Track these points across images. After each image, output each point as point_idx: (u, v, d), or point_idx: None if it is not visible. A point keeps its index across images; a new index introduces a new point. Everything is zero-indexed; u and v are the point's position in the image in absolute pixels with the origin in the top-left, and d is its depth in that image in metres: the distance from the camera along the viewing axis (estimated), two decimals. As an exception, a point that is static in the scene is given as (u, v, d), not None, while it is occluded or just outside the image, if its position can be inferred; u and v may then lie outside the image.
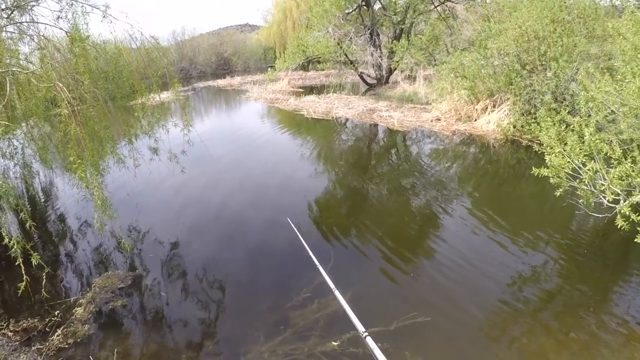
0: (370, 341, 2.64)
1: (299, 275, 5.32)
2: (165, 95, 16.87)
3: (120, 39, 6.67)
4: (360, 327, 2.77)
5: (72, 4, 6.04)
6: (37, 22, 6.28)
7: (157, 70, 6.96)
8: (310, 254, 4.92)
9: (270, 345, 4.14)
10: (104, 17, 6.03)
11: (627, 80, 5.18)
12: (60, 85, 5.21)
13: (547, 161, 4.98)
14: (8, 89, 5.35)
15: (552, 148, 5.02)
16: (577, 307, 4.41)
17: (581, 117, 4.97)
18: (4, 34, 6.12)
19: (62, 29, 6.05)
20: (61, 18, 6.11)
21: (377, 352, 2.53)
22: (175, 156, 6.98)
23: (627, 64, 5.45)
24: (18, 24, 6.30)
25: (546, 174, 4.96)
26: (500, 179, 8.69)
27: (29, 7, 6.22)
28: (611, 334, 3.98)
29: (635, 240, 4.17)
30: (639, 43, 5.66)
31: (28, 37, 6.42)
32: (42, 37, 6.31)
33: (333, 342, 4.06)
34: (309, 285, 4.97)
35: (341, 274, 5.15)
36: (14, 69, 5.66)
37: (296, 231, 5.80)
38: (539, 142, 5.38)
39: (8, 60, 5.87)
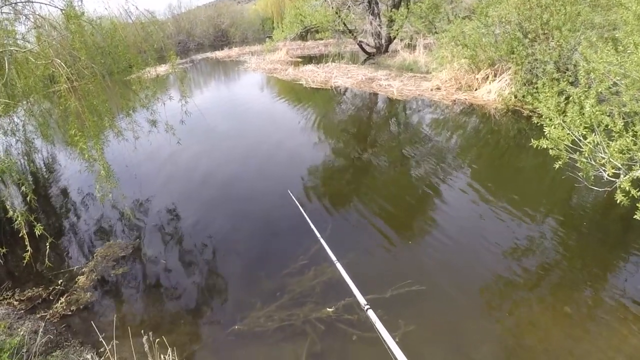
0: (371, 314, 2.68)
1: (297, 243, 5.41)
2: (163, 68, 16.90)
3: (116, 14, 6.63)
4: (361, 300, 2.82)
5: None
6: (32, 2, 6.25)
7: (153, 44, 6.90)
8: (311, 225, 5.00)
9: (267, 310, 4.27)
10: (98, -7, 6.00)
11: (629, 52, 5.09)
12: (58, 61, 5.22)
13: (546, 133, 4.93)
14: (7, 67, 5.36)
15: (551, 120, 4.97)
16: (574, 281, 4.43)
17: (581, 89, 4.91)
18: (0, 15, 6.10)
19: (57, 7, 6.03)
20: (55, -3, 6.06)
21: (379, 324, 2.57)
22: (172, 127, 7.00)
23: (629, 35, 5.36)
24: (13, 4, 6.24)
25: (545, 146, 4.91)
26: (501, 149, 8.65)
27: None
28: (607, 310, 4.00)
29: (635, 217, 4.11)
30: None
31: (24, 16, 6.37)
32: (38, 16, 6.29)
33: (328, 309, 4.17)
34: (306, 253, 5.09)
35: (338, 242, 5.23)
36: (11, 49, 5.64)
37: (296, 202, 5.88)
38: (539, 113, 5.31)
39: (5, 40, 5.85)
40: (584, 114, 4.68)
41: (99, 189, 5.62)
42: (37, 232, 4.54)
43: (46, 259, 4.91)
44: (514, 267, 4.67)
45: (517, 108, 10.50)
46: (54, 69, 5.31)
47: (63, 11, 5.88)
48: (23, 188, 5.20)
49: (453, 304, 4.23)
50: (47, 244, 4.92)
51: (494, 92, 11.45)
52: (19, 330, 4.14)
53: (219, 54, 30.34)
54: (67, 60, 5.63)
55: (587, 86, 5.15)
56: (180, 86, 7.33)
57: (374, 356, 3.61)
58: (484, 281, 4.50)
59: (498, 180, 7.02)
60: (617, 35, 6.03)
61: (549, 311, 4.04)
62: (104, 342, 3.61)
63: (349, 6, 19.22)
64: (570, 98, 5.02)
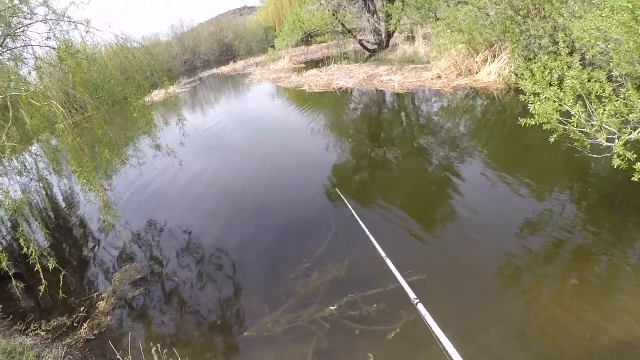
0: (421, 308, 2.66)
1: (303, 247, 5.58)
2: (171, 90, 17.30)
3: (112, 45, 6.91)
4: (411, 294, 2.83)
5: (58, 23, 6.28)
6: (31, 45, 6.55)
7: (146, 72, 7.16)
8: (372, 240, 5.07)
9: (274, 315, 4.42)
10: (87, 32, 6.30)
11: (605, 16, 5.07)
12: (55, 103, 5.48)
13: (532, 111, 4.93)
14: (11, 111, 5.65)
15: (537, 95, 4.98)
16: (589, 252, 4.38)
17: (561, 61, 4.92)
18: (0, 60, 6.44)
19: (53, 48, 6.33)
20: (50, 38, 6.37)
21: (429, 318, 2.53)
22: (172, 150, 7.25)
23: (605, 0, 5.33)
24: (12, 50, 6.56)
25: (533, 123, 4.91)
26: (508, 129, 8.60)
27: (20, 32, 6.46)
28: (626, 278, 3.95)
29: (632, 180, 4.04)
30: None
31: (23, 61, 6.70)
32: (37, 59, 6.61)
33: (331, 308, 4.28)
34: (311, 256, 5.25)
35: (345, 239, 5.45)
36: (12, 93, 5.93)
37: (348, 205, 5.67)
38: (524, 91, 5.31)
39: (7, 84, 6.15)
40: (563, 86, 4.67)
41: (103, 218, 5.88)
42: (51, 266, 4.79)
43: (60, 290, 5.16)
44: (527, 245, 4.65)
45: (519, 86, 10.41)
46: (52, 109, 5.58)
47: (57, 51, 6.17)
48: (37, 224, 5.46)
49: (470, 284, 4.30)
50: (61, 276, 5.17)
51: (494, 73, 11.41)
52: (47, 357, 4.37)
53: (224, 69, 30.77)
54: (63, 100, 5.92)
55: (569, 54, 5.12)
56: (176, 110, 7.57)
57: (376, 348, 3.72)
58: (497, 261, 4.52)
59: (507, 160, 7.04)
60: (594, 1, 5.99)
61: (568, 284, 4.02)
62: (121, 360, 3.81)
63: (345, 7, 19.30)
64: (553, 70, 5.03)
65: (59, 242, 7.44)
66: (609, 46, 5.35)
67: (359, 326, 4.02)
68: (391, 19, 18.68)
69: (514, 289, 4.16)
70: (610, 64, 5.34)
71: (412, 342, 3.72)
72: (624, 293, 3.80)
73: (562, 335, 3.52)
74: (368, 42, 20.90)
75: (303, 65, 23.62)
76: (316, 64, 22.69)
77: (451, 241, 5.09)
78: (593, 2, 8.49)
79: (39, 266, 4.83)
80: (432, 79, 13.16)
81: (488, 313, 3.92)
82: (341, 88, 15.37)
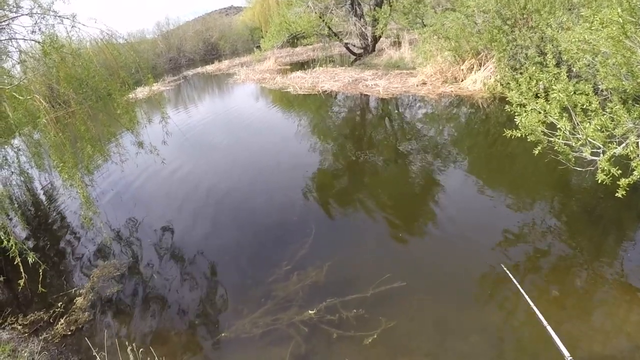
0: None
1: (283, 250, 5.52)
2: (155, 87, 17.16)
3: (98, 40, 6.82)
4: (564, 351, 2.80)
5: (43, 17, 6.16)
6: (16, 39, 6.43)
7: (131, 68, 7.07)
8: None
9: (252, 317, 4.38)
10: (72, 26, 6.19)
11: (594, 29, 5.11)
12: (38, 97, 5.37)
13: (517, 122, 4.91)
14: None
15: (523, 106, 4.99)
16: (569, 264, 4.42)
17: (549, 72, 4.95)
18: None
19: (37, 41, 6.22)
20: (35, 32, 6.26)
21: None
22: (155, 148, 7.15)
23: (595, 13, 5.39)
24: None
25: (519, 135, 4.90)
26: (492, 138, 8.68)
27: (5, 24, 6.33)
28: (605, 291, 3.98)
29: (615, 194, 4.03)
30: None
31: (7, 54, 6.57)
32: (21, 52, 6.48)
33: (310, 311, 4.26)
34: (292, 259, 5.23)
35: (325, 243, 5.45)
36: (-4, 86, 5.81)
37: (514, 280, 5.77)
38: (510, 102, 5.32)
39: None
40: (549, 98, 4.68)
41: (84, 214, 5.79)
42: (31, 260, 4.70)
43: (39, 285, 5.03)
44: (508, 254, 4.67)
45: (504, 95, 10.49)
46: (34, 102, 5.47)
47: (41, 44, 6.04)
48: (16, 218, 5.34)
49: (444, 297, 4.27)
50: (40, 270, 5.06)
51: (479, 81, 11.51)
52: (23, 352, 4.28)
53: (209, 68, 30.58)
54: (48, 93, 5.80)
55: (555, 64, 5.14)
56: (160, 108, 7.48)
57: (354, 353, 3.72)
58: (478, 270, 4.52)
59: (490, 169, 7.09)
60: (582, 13, 6.05)
61: (546, 297, 4.02)
62: (98, 357, 3.75)
63: (332, 10, 19.31)
64: (539, 82, 5.05)
65: (38, 236, 7.34)
66: (596, 59, 5.38)
67: (336, 331, 3.99)
68: (378, 23, 18.73)
69: (494, 298, 4.15)
70: (596, 76, 5.38)
71: (389, 349, 3.71)
72: (602, 306, 3.84)
73: (540, 346, 3.51)
74: (354, 45, 20.93)
75: (288, 67, 23.59)
76: (301, 65, 22.71)
77: (430, 249, 5.11)
78: (581, 14, 8.62)
79: (18, 259, 4.73)
80: (417, 85, 13.23)
81: (467, 321, 3.92)
82: (326, 91, 15.35)
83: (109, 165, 7.29)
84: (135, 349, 3.63)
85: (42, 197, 9.59)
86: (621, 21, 4.41)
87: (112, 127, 7.48)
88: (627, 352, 3.36)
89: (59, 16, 6.31)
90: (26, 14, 6.22)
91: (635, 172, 3.96)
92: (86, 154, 6.54)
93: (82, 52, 7.04)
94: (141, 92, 17.15)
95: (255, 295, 4.71)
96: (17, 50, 6.52)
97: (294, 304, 4.43)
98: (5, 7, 6.18)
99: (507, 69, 10.34)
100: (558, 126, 4.62)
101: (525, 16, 10.16)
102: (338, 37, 20.85)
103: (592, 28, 5.12)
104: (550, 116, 4.75)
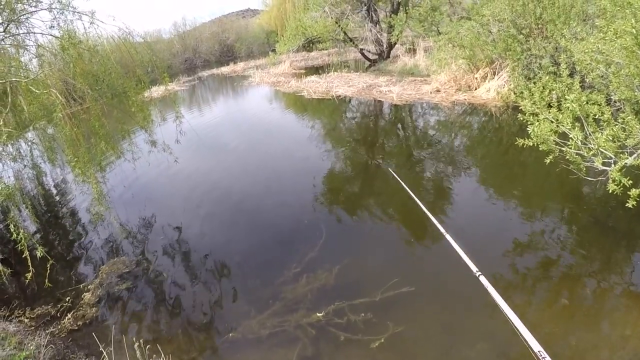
0: (483, 280, 2.75)
1: (293, 251, 5.53)
2: (170, 87, 17.33)
3: (115, 38, 6.92)
4: (473, 268, 2.91)
5: (62, 12, 6.27)
6: (34, 33, 6.55)
7: (147, 67, 7.16)
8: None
9: (260, 318, 4.39)
10: (91, 23, 6.29)
11: (607, 39, 5.13)
12: (54, 91, 5.45)
13: (529, 132, 4.93)
14: (10, 97, 5.61)
15: (535, 115, 5.01)
16: (579, 274, 4.38)
17: (562, 82, 4.96)
18: (2, 45, 6.41)
19: (55, 36, 6.31)
20: (53, 27, 6.38)
21: (491, 289, 2.65)
22: (168, 147, 7.26)
23: (609, 23, 5.39)
24: (15, 36, 6.53)
25: (531, 144, 4.92)
26: (504, 147, 8.66)
27: (24, 19, 6.45)
28: (616, 301, 3.96)
29: (626, 205, 4.04)
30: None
31: (25, 48, 6.67)
32: (39, 46, 6.58)
33: (318, 314, 4.27)
34: (301, 261, 5.23)
35: (335, 247, 5.48)
36: (13, 79, 5.90)
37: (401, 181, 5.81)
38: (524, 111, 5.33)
39: (7, 70, 6.12)
40: (561, 108, 4.69)
41: (93, 209, 5.84)
42: (39, 254, 4.75)
43: (46, 279, 5.10)
44: (517, 263, 4.65)
45: (517, 104, 10.47)
46: (51, 97, 5.55)
47: (60, 39, 6.15)
48: (26, 212, 5.41)
49: (450, 304, 4.28)
50: (48, 265, 5.13)
51: (492, 90, 11.50)
52: (29, 345, 4.31)
53: (224, 69, 30.81)
54: (64, 88, 5.88)
55: (569, 75, 5.15)
56: (174, 107, 7.57)
57: (361, 357, 3.73)
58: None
59: (501, 177, 7.10)
60: (597, 24, 6.04)
61: (554, 306, 4.01)
62: (104, 353, 3.76)
63: (348, 15, 19.39)
64: (553, 91, 5.06)
65: (48, 230, 7.39)
66: (609, 69, 5.39)
67: (344, 334, 3.99)
68: (393, 30, 18.77)
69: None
70: (609, 87, 5.38)
71: (396, 354, 3.72)
72: (612, 316, 3.82)
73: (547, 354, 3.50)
74: (369, 51, 20.98)
75: (303, 71, 23.71)
76: (316, 70, 22.77)
77: (439, 255, 5.08)
78: (595, 25, 8.61)
79: (27, 253, 4.78)
80: (430, 92, 13.25)
81: (474, 328, 3.92)
82: (340, 96, 15.40)
83: (121, 162, 7.36)
84: (142, 345, 3.66)
85: (53, 191, 9.70)
86: (635, 32, 4.43)
87: (126, 124, 7.56)
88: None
89: (78, 12, 6.43)
90: (45, 9, 6.32)
91: (645, 183, 3.97)
92: (100, 150, 6.63)
93: (99, 48, 7.16)
94: (156, 91, 17.35)
95: (264, 296, 4.73)
96: (35, 44, 6.64)
97: (302, 306, 4.44)
98: (25, 1, 6.29)
99: (520, 78, 10.32)
100: (570, 136, 4.64)
101: (540, 26, 10.14)
102: (353, 43, 20.91)
103: (606, 38, 5.14)
104: (563, 126, 4.77)
